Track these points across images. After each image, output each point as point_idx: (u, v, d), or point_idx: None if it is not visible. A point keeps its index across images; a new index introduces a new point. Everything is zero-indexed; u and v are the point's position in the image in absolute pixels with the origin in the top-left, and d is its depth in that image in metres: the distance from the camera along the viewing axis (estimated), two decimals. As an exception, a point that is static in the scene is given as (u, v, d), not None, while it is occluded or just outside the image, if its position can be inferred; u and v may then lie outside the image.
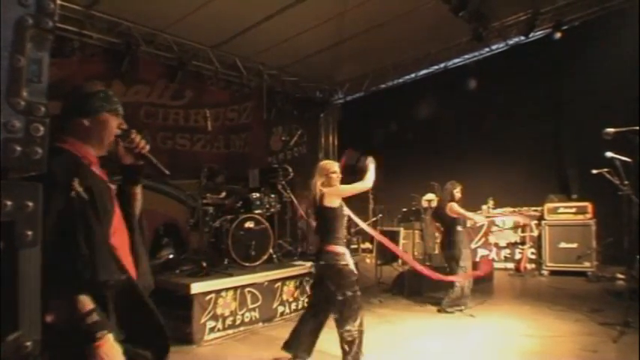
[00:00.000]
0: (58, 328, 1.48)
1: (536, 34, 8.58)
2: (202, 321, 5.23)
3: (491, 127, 9.81)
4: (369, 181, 4.15)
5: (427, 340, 5.05)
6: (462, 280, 6.20)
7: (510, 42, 9.14)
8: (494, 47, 9.40)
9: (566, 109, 9.24)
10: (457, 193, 6.43)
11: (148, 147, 2.02)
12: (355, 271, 4.11)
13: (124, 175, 2.05)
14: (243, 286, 5.77)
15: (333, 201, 4.06)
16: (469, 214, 6.46)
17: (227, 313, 5.53)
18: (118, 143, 1.96)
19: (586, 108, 8.46)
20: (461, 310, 6.19)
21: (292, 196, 8.00)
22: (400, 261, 8.85)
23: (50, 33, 0.92)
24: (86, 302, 1.57)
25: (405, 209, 9.84)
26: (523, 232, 9.40)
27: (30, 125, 0.87)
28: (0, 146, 0.83)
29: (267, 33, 8.36)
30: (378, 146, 10.67)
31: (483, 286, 7.61)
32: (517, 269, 9.16)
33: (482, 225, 9.64)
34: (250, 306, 5.82)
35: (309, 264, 6.83)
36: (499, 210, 9.84)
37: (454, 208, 6.33)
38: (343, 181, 4.22)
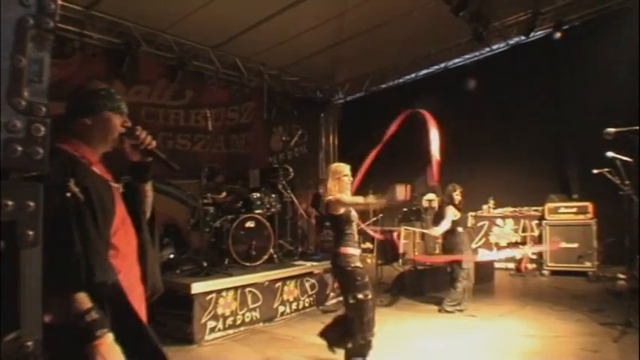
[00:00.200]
0: (55, 327, 1.45)
1: (537, 34, 8.58)
2: (203, 321, 5.23)
3: (492, 126, 9.81)
4: (371, 200, 4.31)
5: (428, 340, 5.05)
6: (463, 281, 6.21)
7: (511, 42, 9.14)
8: (494, 47, 9.41)
9: (566, 109, 9.23)
10: (457, 195, 6.43)
11: (154, 143, 1.99)
12: (365, 273, 4.05)
13: (133, 173, 2.02)
14: (244, 286, 5.77)
15: (337, 208, 4.04)
16: (444, 225, 6.37)
17: (228, 313, 5.53)
18: (124, 141, 1.93)
19: (587, 108, 8.45)
20: (461, 311, 6.18)
21: (293, 196, 8.00)
22: (401, 261, 8.86)
23: (51, 33, 0.92)
24: (84, 300, 1.54)
25: (405, 209, 9.85)
26: (524, 232, 9.40)
27: (31, 125, 0.87)
28: (1, 146, 0.83)
29: (268, 33, 8.36)
30: (379, 146, 10.67)
31: (484, 286, 7.62)
32: (518, 269, 9.16)
33: (483, 225, 9.67)
34: (251, 306, 5.82)
35: (309, 264, 6.85)
36: (500, 210, 9.84)
37: (445, 212, 6.35)
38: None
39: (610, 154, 5.19)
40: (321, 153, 12.37)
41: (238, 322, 5.64)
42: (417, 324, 5.76)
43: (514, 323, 5.63)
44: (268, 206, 7.28)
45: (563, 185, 9.45)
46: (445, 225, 6.31)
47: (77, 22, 7.30)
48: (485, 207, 9.97)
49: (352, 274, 3.94)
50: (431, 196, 9.33)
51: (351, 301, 3.91)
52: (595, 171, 5.70)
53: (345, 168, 4.21)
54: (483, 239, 9.73)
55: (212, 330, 5.32)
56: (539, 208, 9.21)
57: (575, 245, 8.50)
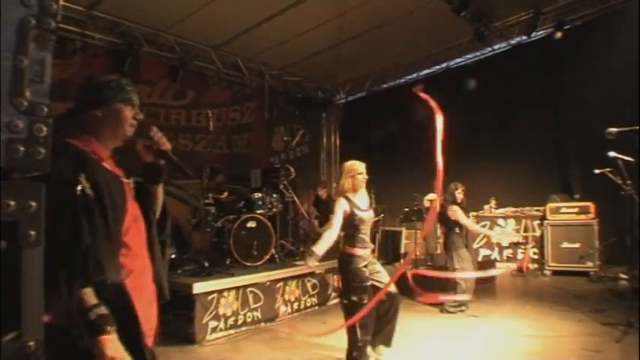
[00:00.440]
0: (59, 325, 1.44)
1: (538, 34, 8.57)
2: (204, 321, 5.23)
3: (494, 126, 9.79)
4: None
5: (429, 340, 5.05)
6: (462, 280, 6.21)
7: (512, 42, 9.13)
8: (496, 47, 9.40)
9: (568, 109, 9.21)
10: (459, 194, 6.42)
11: (168, 145, 1.97)
12: (366, 277, 3.97)
13: (145, 175, 2.00)
14: (245, 286, 5.77)
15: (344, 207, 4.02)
16: (466, 222, 6.41)
17: (229, 312, 5.53)
18: (137, 141, 1.91)
19: (588, 107, 8.44)
20: (462, 311, 6.18)
21: (294, 196, 8.01)
22: (402, 261, 8.86)
23: (53, 33, 0.92)
24: (90, 296, 1.51)
25: (406, 209, 9.83)
26: (525, 232, 9.39)
27: (33, 125, 0.88)
28: (1, 146, 0.84)
29: (269, 33, 8.36)
30: (380, 146, 10.68)
31: (486, 286, 7.61)
32: (519, 269, 9.15)
33: (485, 225, 9.65)
34: (252, 306, 5.83)
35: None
36: (501, 210, 9.83)
37: (455, 212, 6.33)
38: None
39: (612, 153, 5.18)
40: (322, 153, 12.38)
41: (240, 322, 5.64)
42: (418, 324, 5.75)
43: (515, 323, 5.62)
44: (270, 206, 7.29)
45: (565, 185, 9.44)
46: (466, 221, 6.37)
47: (79, 22, 7.31)
48: (486, 207, 9.96)
49: (352, 275, 3.91)
50: (432, 196, 9.31)
51: (345, 302, 3.92)
52: (597, 171, 5.69)
53: (360, 166, 4.14)
54: (485, 239, 9.72)
55: (213, 330, 5.32)
56: (541, 208, 9.20)
57: (577, 245, 8.48)
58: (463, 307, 6.20)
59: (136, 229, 1.80)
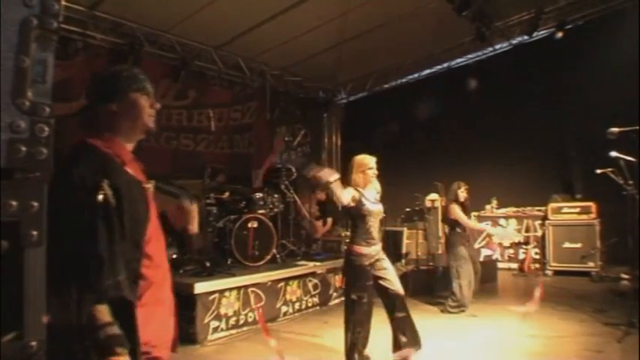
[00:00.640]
0: (71, 338, 1.37)
1: (540, 34, 8.56)
2: (206, 321, 5.23)
3: (495, 126, 9.77)
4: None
5: (430, 341, 5.02)
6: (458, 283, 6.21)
7: (514, 42, 9.11)
8: (497, 47, 9.39)
9: (570, 109, 9.19)
10: (462, 193, 6.43)
11: (195, 230, 1.95)
12: (369, 276, 3.91)
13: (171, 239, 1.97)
14: (247, 286, 5.78)
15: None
16: (463, 219, 6.39)
17: (230, 313, 5.54)
18: (170, 209, 1.88)
19: (590, 107, 8.42)
20: (463, 311, 6.18)
21: (295, 196, 8.01)
22: (404, 261, 8.86)
23: (55, 34, 0.92)
24: (104, 313, 1.42)
25: (408, 209, 9.83)
26: (527, 231, 9.38)
27: (35, 126, 0.88)
28: (3, 146, 0.84)
29: (270, 33, 8.36)
30: (382, 146, 10.67)
31: (487, 286, 7.61)
32: (521, 269, 9.14)
33: (487, 224, 9.64)
34: (254, 306, 5.83)
35: (312, 264, 6.85)
36: (503, 210, 9.82)
37: (453, 210, 6.34)
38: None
39: (613, 153, 5.17)
40: (324, 153, 12.37)
41: (241, 322, 5.65)
42: (420, 324, 5.69)
43: (517, 323, 5.62)
44: (271, 206, 7.29)
45: (567, 185, 9.43)
46: (464, 218, 6.36)
47: (80, 22, 7.31)
48: (488, 207, 9.96)
49: (354, 273, 3.90)
50: (434, 196, 9.31)
51: (345, 299, 3.92)
52: (598, 171, 5.67)
53: (370, 161, 4.08)
54: (486, 239, 9.71)
55: (215, 330, 5.33)
56: (543, 208, 9.19)
57: (579, 245, 8.47)
58: (463, 308, 6.20)
59: (157, 237, 1.72)
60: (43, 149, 0.89)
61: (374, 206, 4.04)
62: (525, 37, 8.73)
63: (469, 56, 9.90)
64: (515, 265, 9.36)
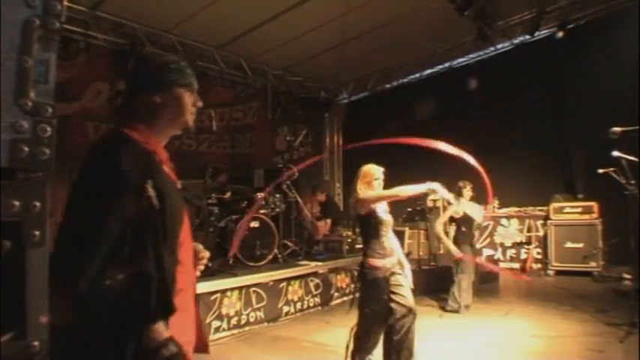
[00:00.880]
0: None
1: (542, 33, 8.55)
2: (207, 321, 5.24)
3: (497, 126, 9.76)
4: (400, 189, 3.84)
5: (431, 340, 5.03)
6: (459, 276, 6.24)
7: (515, 41, 9.10)
8: (499, 47, 9.38)
9: (572, 108, 9.19)
10: (467, 192, 6.45)
11: (201, 268, 1.80)
12: (384, 290, 3.75)
13: None
14: (248, 286, 5.78)
15: (363, 207, 3.83)
16: (442, 219, 6.66)
17: (232, 312, 5.54)
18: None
19: (592, 107, 8.41)
20: (465, 310, 6.18)
21: (297, 196, 8.00)
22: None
23: (57, 34, 0.92)
24: (162, 330, 1.32)
25: (410, 209, 9.83)
26: (529, 231, 9.37)
27: (37, 126, 0.88)
28: (5, 146, 0.84)
29: (272, 33, 8.36)
30: (383, 146, 10.65)
31: (489, 286, 7.60)
32: (523, 269, 9.13)
33: (488, 225, 9.64)
34: (255, 306, 5.84)
35: (313, 264, 6.86)
36: (505, 210, 9.81)
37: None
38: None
39: (615, 153, 5.16)
40: (325, 153, 12.37)
41: (243, 322, 5.65)
42: (421, 324, 5.69)
43: (518, 323, 5.61)
44: (273, 206, 7.30)
45: (568, 185, 9.41)
46: (440, 219, 6.45)
47: (82, 22, 7.32)
48: (489, 207, 9.94)
49: (369, 286, 3.77)
50: (435, 195, 9.30)
51: (358, 311, 3.80)
52: (600, 171, 5.66)
53: (376, 171, 3.97)
54: (488, 239, 9.71)
55: (216, 330, 5.33)
56: (544, 208, 9.17)
57: (580, 245, 8.46)
58: (465, 307, 6.20)
59: (188, 242, 1.61)
60: (46, 149, 0.89)
61: (386, 216, 3.94)
62: (527, 37, 8.72)
63: (471, 56, 9.89)
64: (517, 265, 9.35)
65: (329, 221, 9.16)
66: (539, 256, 9.11)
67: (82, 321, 1.28)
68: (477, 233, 7.11)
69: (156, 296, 1.30)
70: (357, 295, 3.88)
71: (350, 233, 8.34)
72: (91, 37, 7.55)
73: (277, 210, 7.36)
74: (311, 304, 6.69)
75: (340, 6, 7.56)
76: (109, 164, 1.36)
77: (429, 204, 9.53)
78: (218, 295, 5.39)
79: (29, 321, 0.87)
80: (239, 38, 8.67)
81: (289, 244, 7.81)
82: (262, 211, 7.03)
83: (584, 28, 8.25)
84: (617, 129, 4.86)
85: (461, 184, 6.49)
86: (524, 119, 9.52)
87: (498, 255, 9.57)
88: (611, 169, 5.48)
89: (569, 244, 8.58)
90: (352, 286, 7.52)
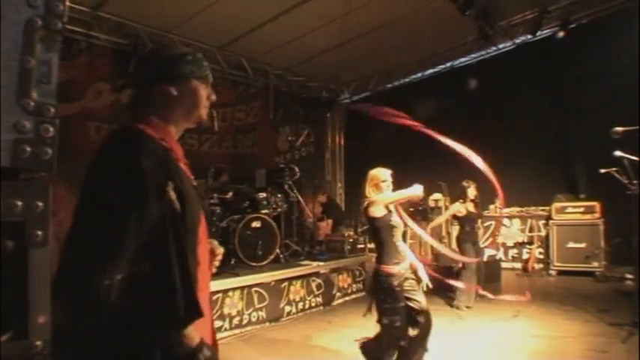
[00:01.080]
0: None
1: (543, 33, 8.53)
2: (209, 321, 5.23)
3: (498, 126, 9.74)
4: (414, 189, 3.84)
5: (434, 340, 5.01)
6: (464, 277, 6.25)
7: (517, 41, 9.08)
8: (500, 46, 9.36)
9: (574, 108, 9.17)
10: (472, 191, 6.46)
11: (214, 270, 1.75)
12: (400, 298, 3.69)
13: None
14: (250, 286, 5.78)
15: (377, 210, 3.79)
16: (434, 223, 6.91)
17: (234, 312, 5.54)
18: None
19: (594, 107, 8.39)
20: (469, 308, 6.18)
21: (299, 196, 8.01)
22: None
23: (59, 34, 0.92)
24: (194, 335, 1.29)
25: (411, 209, 9.81)
26: (531, 231, 9.36)
27: (40, 126, 0.88)
28: (7, 146, 0.84)
29: (273, 33, 8.36)
30: (384, 146, 10.65)
31: (491, 286, 7.57)
32: (525, 269, 9.12)
33: (490, 225, 9.63)
34: (257, 306, 5.83)
35: (315, 264, 6.85)
36: (507, 210, 9.79)
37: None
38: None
39: (618, 153, 5.15)
40: (327, 153, 12.36)
41: (244, 322, 5.65)
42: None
43: (521, 323, 5.61)
44: (274, 206, 7.29)
45: (571, 185, 9.39)
46: (437, 220, 6.45)
47: (84, 23, 7.32)
48: (492, 207, 9.92)
49: (384, 295, 3.70)
50: (437, 195, 9.30)
51: (377, 322, 3.75)
52: (602, 170, 5.65)
53: (384, 174, 3.96)
54: (490, 239, 9.69)
55: (218, 330, 5.32)
56: (547, 208, 9.16)
57: (583, 245, 8.44)
58: (467, 306, 6.21)
59: (205, 241, 1.55)
60: (48, 149, 0.89)
61: (397, 219, 3.91)
62: (529, 37, 8.70)
63: (472, 55, 9.87)
64: (519, 265, 9.34)
65: (330, 221, 9.16)
66: (542, 256, 9.10)
67: (103, 328, 1.22)
68: (480, 232, 7.10)
69: (183, 301, 1.25)
70: (373, 301, 3.81)
71: (352, 233, 8.34)
72: (93, 38, 7.55)
73: (279, 210, 7.36)
74: (313, 304, 6.68)
75: (341, 6, 7.56)
76: (126, 163, 1.28)
77: (431, 204, 9.51)
78: (220, 294, 5.39)
79: (31, 321, 0.87)
80: (240, 38, 8.67)
81: (291, 244, 7.81)
82: (264, 211, 7.03)
83: (586, 27, 8.23)
84: (619, 129, 4.85)
85: (465, 183, 6.50)
86: (525, 119, 9.51)
87: (500, 255, 9.55)
88: (614, 168, 5.47)
89: (571, 244, 8.56)
90: (354, 286, 7.53)
